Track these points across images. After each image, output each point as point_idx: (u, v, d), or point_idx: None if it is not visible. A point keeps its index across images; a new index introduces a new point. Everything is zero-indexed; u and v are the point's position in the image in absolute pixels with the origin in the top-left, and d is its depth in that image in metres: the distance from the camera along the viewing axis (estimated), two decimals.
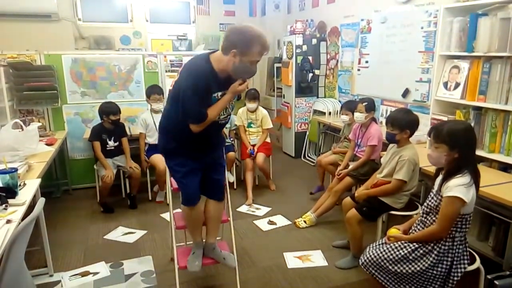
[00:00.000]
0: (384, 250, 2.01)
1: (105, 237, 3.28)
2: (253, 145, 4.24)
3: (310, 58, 5.28)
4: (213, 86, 1.96)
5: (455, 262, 1.89)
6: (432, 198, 1.95)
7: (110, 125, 3.83)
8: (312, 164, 5.29)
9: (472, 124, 2.86)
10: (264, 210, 3.81)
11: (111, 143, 3.85)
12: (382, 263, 1.98)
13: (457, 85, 3.00)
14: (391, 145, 2.76)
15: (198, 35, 6.08)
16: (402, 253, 1.94)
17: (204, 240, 2.42)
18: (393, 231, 2.07)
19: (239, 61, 1.91)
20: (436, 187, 1.96)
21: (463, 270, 1.90)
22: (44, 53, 4.06)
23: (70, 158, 4.31)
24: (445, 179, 1.87)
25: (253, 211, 3.79)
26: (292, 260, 2.89)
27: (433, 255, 1.89)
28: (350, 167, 3.40)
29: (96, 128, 3.86)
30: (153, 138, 3.97)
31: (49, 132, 4.04)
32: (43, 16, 4.94)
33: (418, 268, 1.89)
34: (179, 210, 2.46)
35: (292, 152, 5.66)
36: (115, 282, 2.61)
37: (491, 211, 2.56)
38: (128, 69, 4.36)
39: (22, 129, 3.08)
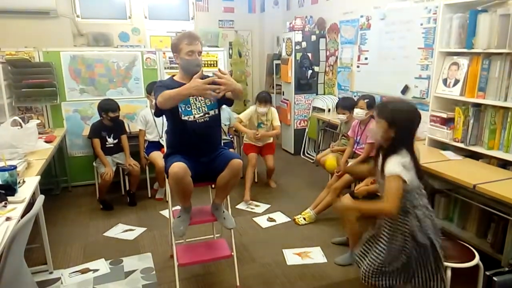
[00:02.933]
0: (373, 258, 1.97)
1: (104, 234, 3.28)
2: (260, 146, 4.21)
3: (310, 55, 5.27)
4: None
5: (432, 236, 1.87)
6: (381, 178, 1.93)
7: (109, 122, 3.82)
8: (312, 161, 5.29)
9: (472, 121, 2.87)
10: (263, 207, 3.82)
11: (110, 140, 3.84)
12: (378, 269, 1.95)
13: (456, 81, 3.00)
14: None
15: (197, 32, 6.07)
16: (385, 252, 1.91)
17: (192, 206, 2.44)
18: (331, 160, 1.99)
19: (181, 59, 2.32)
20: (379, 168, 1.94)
21: (440, 241, 1.90)
22: (42, 50, 4.05)
23: (69, 155, 4.31)
24: (384, 159, 1.86)
25: (252, 208, 3.80)
26: (292, 256, 2.90)
27: (406, 237, 1.87)
28: (349, 164, 3.40)
29: (95, 125, 3.85)
30: (152, 135, 3.97)
31: (48, 129, 4.04)
32: (42, 13, 4.92)
33: (403, 256, 1.88)
34: (178, 207, 2.47)
35: (292, 149, 5.66)
36: (115, 279, 2.62)
37: (490, 208, 2.57)
38: (126, 66, 4.35)
39: (21, 127, 3.07)
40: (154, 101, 3.37)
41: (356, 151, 3.51)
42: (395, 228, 1.91)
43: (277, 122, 4.23)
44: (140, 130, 3.96)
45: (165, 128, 2.65)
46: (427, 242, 1.86)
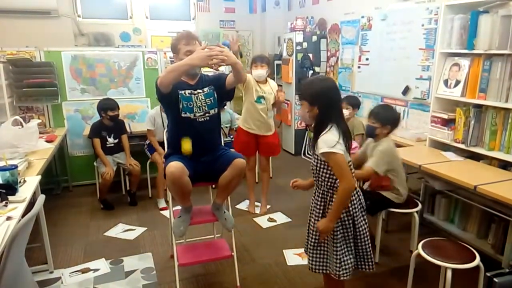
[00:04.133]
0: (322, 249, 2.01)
1: (105, 234, 3.28)
2: (258, 135, 3.52)
3: (310, 55, 5.27)
4: (178, 86, 2.30)
5: (357, 212, 1.93)
6: (312, 156, 1.96)
7: (110, 121, 3.82)
8: None
9: (472, 122, 2.86)
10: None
11: (110, 140, 3.84)
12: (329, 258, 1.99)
13: (457, 82, 3.00)
14: (368, 140, 2.81)
15: (198, 32, 6.07)
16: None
17: (192, 206, 2.44)
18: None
19: (180, 60, 2.25)
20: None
21: (364, 218, 1.98)
22: (43, 49, 4.05)
23: (70, 155, 4.31)
24: (315, 136, 1.87)
25: None
26: (292, 257, 2.90)
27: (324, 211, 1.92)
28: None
29: (95, 125, 3.85)
30: (158, 137, 3.95)
31: (49, 129, 4.04)
32: (43, 13, 4.93)
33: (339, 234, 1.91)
34: (179, 207, 2.47)
35: (292, 149, 5.66)
36: (116, 278, 2.62)
37: (491, 209, 2.57)
38: (128, 66, 4.35)
39: (22, 126, 3.07)
40: None
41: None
42: (323, 200, 1.94)
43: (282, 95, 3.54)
44: (148, 130, 3.89)
45: None
46: (347, 218, 1.90)
